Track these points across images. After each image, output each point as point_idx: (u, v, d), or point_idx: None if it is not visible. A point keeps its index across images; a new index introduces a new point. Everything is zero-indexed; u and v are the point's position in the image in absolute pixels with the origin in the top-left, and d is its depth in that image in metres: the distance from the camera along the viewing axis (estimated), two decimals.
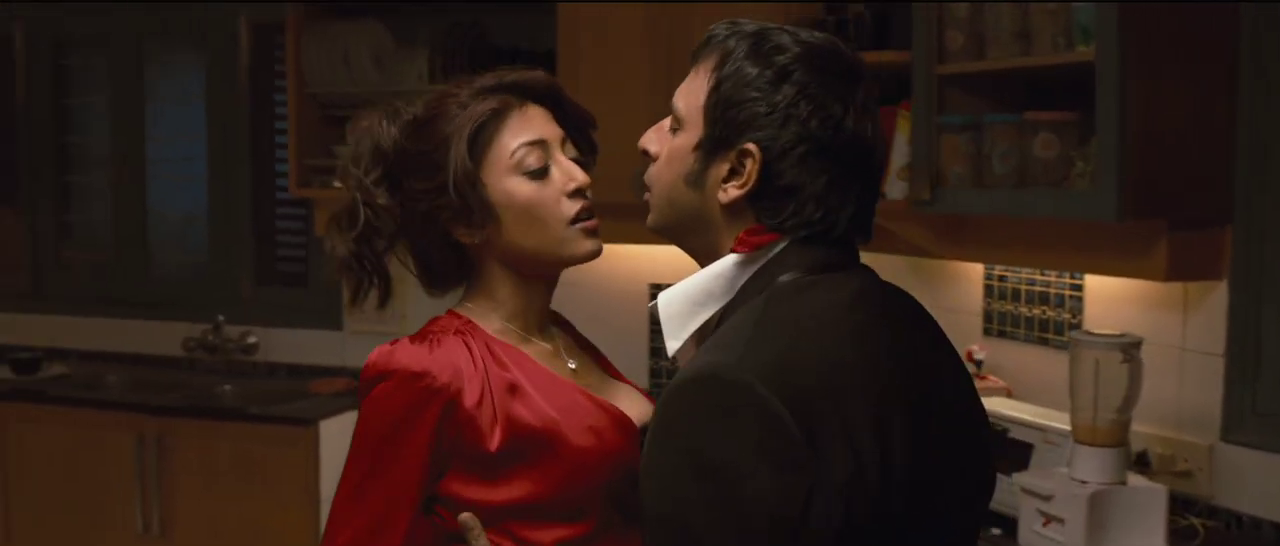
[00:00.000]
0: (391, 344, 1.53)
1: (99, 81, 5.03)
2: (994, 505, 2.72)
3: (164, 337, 4.77)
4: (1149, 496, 2.49)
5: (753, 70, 1.30)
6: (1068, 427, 2.59)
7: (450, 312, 1.62)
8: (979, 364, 3.18)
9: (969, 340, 3.28)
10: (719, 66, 1.32)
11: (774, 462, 1.15)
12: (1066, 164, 2.63)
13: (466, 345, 1.54)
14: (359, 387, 1.55)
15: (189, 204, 4.91)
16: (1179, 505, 2.70)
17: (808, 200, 1.29)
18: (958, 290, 3.39)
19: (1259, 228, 2.62)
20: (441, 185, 1.54)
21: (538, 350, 1.60)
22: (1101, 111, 2.45)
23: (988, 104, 2.85)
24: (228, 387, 4.50)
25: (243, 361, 4.65)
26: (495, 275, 1.60)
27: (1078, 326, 2.97)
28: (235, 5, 4.63)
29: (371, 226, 1.59)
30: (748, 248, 1.32)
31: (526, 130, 1.57)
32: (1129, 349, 2.49)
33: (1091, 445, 2.50)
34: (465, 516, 1.50)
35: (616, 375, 1.72)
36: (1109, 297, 2.93)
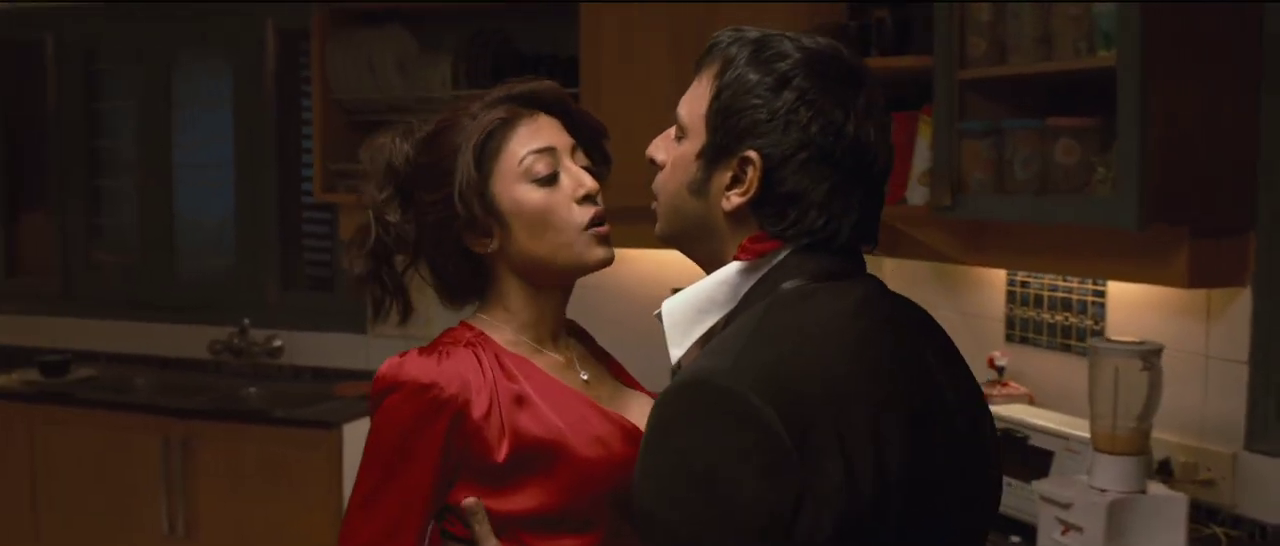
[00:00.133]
0: (401, 356, 1.54)
1: (128, 87, 5.08)
2: (1013, 513, 2.72)
3: (190, 341, 4.80)
4: (1169, 505, 2.47)
5: (754, 77, 1.29)
6: (1088, 435, 2.58)
7: (463, 324, 1.63)
8: (1001, 370, 3.16)
9: (991, 346, 3.26)
10: (721, 74, 1.32)
11: (762, 469, 1.15)
12: (1088, 170, 2.61)
13: (476, 356, 1.54)
14: (370, 399, 1.56)
15: (216, 208, 4.95)
16: (1202, 514, 2.68)
17: (810, 207, 1.29)
18: (980, 296, 3.38)
19: None
20: (450, 195, 1.55)
21: (550, 361, 1.61)
22: (1122, 117, 2.43)
23: (1009, 109, 2.83)
24: (253, 390, 4.53)
25: (268, 365, 4.68)
26: (508, 285, 1.61)
27: (1100, 333, 2.95)
28: (262, 12, 4.67)
29: (384, 243, 1.61)
30: (751, 255, 1.32)
31: (535, 138, 1.58)
32: (1149, 356, 2.48)
33: (1111, 453, 2.48)
34: (470, 501, 1.51)
35: (633, 385, 1.72)
36: (1132, 304, 2.91)
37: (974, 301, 3.38)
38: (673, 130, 1.39)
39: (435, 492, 1.52)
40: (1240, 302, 2.65)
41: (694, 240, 1.39)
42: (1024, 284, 3.23)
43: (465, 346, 1.56)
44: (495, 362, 1.55)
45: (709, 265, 1.38)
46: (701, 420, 1.19)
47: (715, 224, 1.34)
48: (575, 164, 1.60)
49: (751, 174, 1.29)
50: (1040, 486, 2.58)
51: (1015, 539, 2.67)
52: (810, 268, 1.31)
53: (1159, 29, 2.41)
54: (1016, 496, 2.70)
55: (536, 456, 1.51)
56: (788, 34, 1.33)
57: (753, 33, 1.34)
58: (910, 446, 1.22)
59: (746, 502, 1.15)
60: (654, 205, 1.42)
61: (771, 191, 1.29)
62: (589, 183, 1.58)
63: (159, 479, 4.14)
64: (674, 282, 1.37)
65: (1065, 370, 3.08)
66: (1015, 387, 3.14)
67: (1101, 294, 2.99)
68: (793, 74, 1.29)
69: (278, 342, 4.67)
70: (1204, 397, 2.74)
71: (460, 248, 1.59)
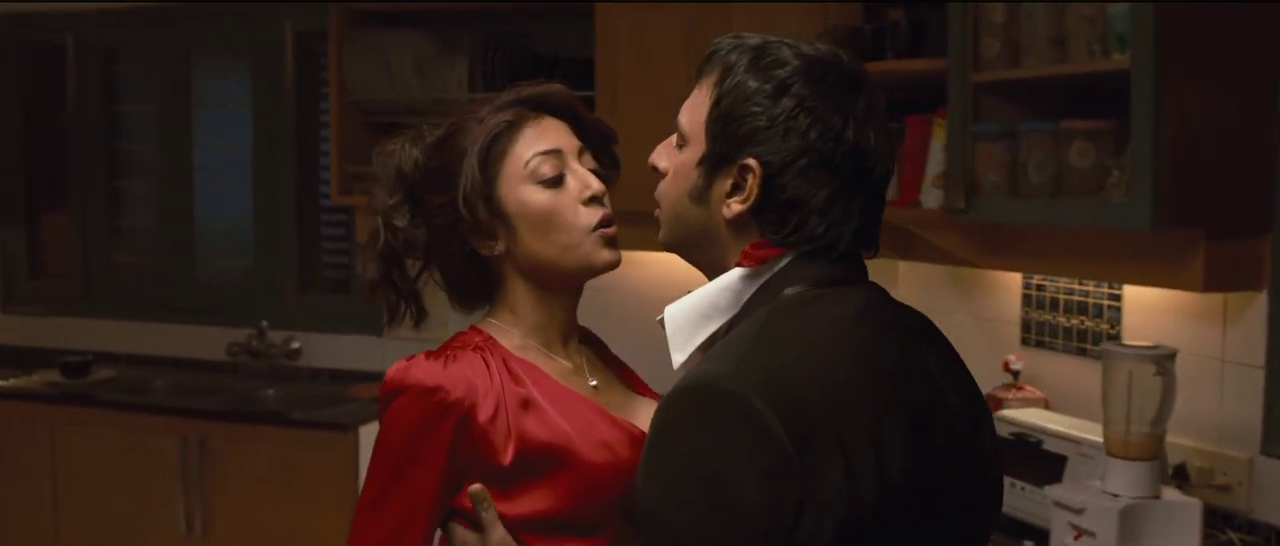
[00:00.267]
0: (408, 359, 1.55)
1: (148, 89, 5.11)
2: (1026, 517, 2.71)
3: (209, 342, 4.82)
4: (1183, 510, 2.46)
5: (753, 84, 1.30)
6: (1102, 440, 2.56)
7: (473, 328, 1.63)
8: (1016, 374, 3.14)
9: (1007, 350, 3.25)
10: (720, 82, 1.32)
11: (764, 473, 1.16)
12: (1103, 173, 2.59)
13: (484, 360, 1.55)
14: (378, 402, 1.57)
15: (234, 210, 4.97)
16: (1218, 519, 2.66)
17: (811, 214, 1.29)
18: (996, 299, 3.36)
19: None
20: (457, 198, 1.56)
21: (558, 367, 1.61)
22: (1136, 120, 2.42)
23: (1024, 112, 2.82)
24: (271, 392, 4.55)
25: (286, 366, 4.70)
26: (516, 289, 1.61)
27: (1116, 337, 2.93)
28: (280, 14, 4.69)
29: (393, 248, 1.62)
30: (753, 262, 1.32)
31: (541, 141, 1.58)
32: (1162, 361, 2.46)
33: (1124, 458, 2.46)
34: (476, 488, 1.51)
35: (644, 392, 1.72)
36: (1148, 308, 2.89)
37: (990, 305, 3.37)
38: (674, 137, 1.40)
39: (442, 495, 1.52)
40: (1257, 307, 2.63)
41: (696, 247, 1.39)
42: (1040, 287, 3.21)
43: (473, 350, 1.56)
44: (502, 367, 1.55)
45: (712, 272, 1.38)
46: (705, 423, 1.19)
47: (717, 231, 1.35)
48: (582, 167, 1.60)
49: (751, 181, 1.29)
50: (1053, 491, 2.57)
51: (1028, 543, 2.66)
52: (812, 274, 1.31)
53: (1173, 30, 2.39)
54: (1029, 501, 2.69)
55: (542, 461, 1.51)
56: (787, 41, 1.33)
57: (753, 40, 1.34)
58: (912, 450, 1.23)
59: (749, 506, 1.16)
60: (657, 213, 1.43)
61: (772, 198, 1.29)
62: (595, 184, 1.58)
63: (177, 479, 4.16)
64: (688, 285, 1.38)
65: (1081, 374, 3.06)
66: (1031, 391, 3.13)
67: (1117, 298, 2.97)
68: (791, 81, 1.29)
69: (296, 344, 4.69)
70: (1220, 402, 2.72)
71: (467, 251, 1.60)
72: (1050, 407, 3.09)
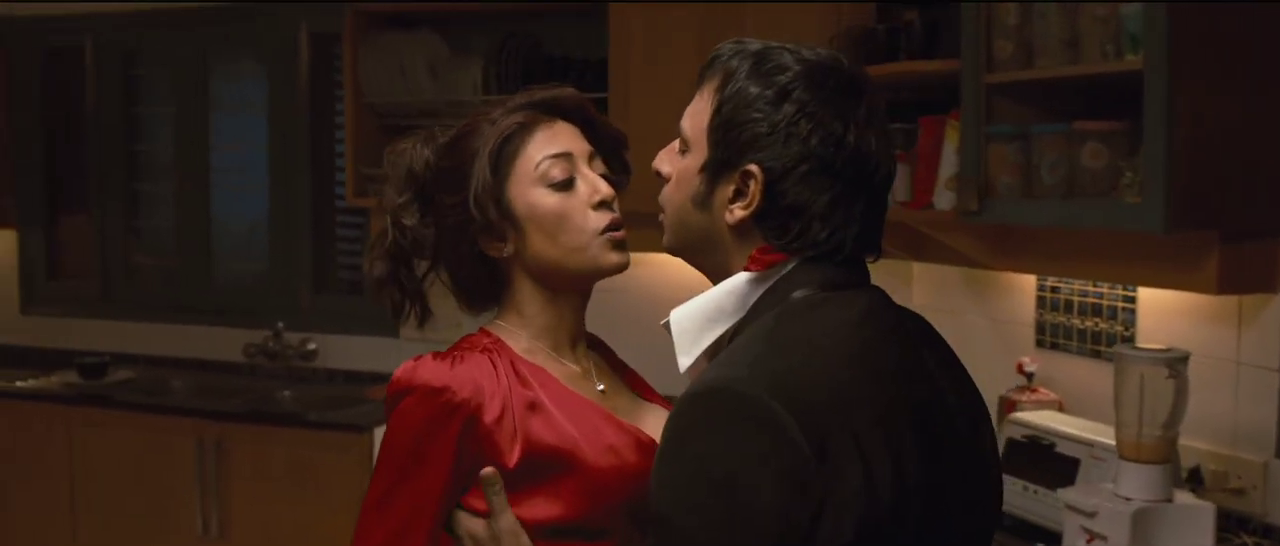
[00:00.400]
0: (416, 359, 1.55)
1: (166, 92, 5.14)
2: (1038, 520, 2.70)
3: (226, 344, 4.85)
4: (1196, 514, 2.44)
5: (754, 90, 1.30)
6: (1114, 442, 2.55)
7: (482, 330, 1.64)
8: (1030, 376, 3.13)
9: (1021, 352, 3.23)
10: (722, 87, 1.33)
11: (783, 475, 1.16)
12: (1115, 174, 2.58)
13: (492, 362, 1.55)
14: (385, 402, 1.57)
15: (251, 212, 5.00)
16: (1233, 523, 2.64)
17: (813, 219, 1.30)
18: (1010, 301, 3.35)
19: None
20: (467, 199, 1.57)
21: (566, 371, 1.61)
22: (1149, 121, 2.40)
23: (1036, 113, 2.80)
24: (287, 393, 4.57)
25: (302, 367, 4.72)
26: (524, 291, 1.62)
27: (1131, 339, 2.92)
28: (296, 16, 4.70)
29: (401, 246, 1.63)
30: (761, 266, 1.33)
31: (552, 144, 1.59)
32: (1175, 363, 2.44)
33: (1137, 461, 2.45)
34: (487, 471, 1.51)
35: (651, 398, 1.72)
36: (1162, 310, 2.87)
37: (1004, 307, 3.35)
38: (677, 142, 1.40)
39: (447, 495, 1.53)
40: (1272, 309, 2.61)
41: (700, 252, 1.40)
42: (1054, 289, 3.20)
43: (481, 352, 1.57)
44: (510, 369, 1.55)
45: (716, 276, 1.39)
46: (720, 426, 1.19)
47: (720, 236, 1.35)
48: (592, 171, 1.61)
49: (753, 187, 1.30)
50: (1065, 494, 2.56)
51: None
52: (817, 278, 1.32)
53: (1186, 31, 2.37)
54: (1042, 503, 2.68)
55: (548, 464, 1.51)
56: (788, 45, 1.33)
57: (754, 45, 1.34)
58: (922, 450, 1.24)
59: (765, 508, 1.16)
60: (661, 217, 1.44)
61: (774, 204, 1.30)
62: (604, 189, 1.59)
63: (194, 480, 4.18)
64: (698, 287, 1.39)
65: (1095, 376, 3.04)
66: (1045, 393, 3.11)
67: (1132, 300, 2.95)
68: (793, 86, 1.29)
69: (312, 346, 4.71)
70: (1235, 405, 2.70)
71: (476, 252, 1.61)
72: (1064, 410, 3.07)
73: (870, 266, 1.39)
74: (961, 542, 1.33)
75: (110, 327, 5.10)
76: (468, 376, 1.52)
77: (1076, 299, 3.13)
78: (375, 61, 4.11)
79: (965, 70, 2.86)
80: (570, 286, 1.62)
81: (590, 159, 1.62)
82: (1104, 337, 3.03)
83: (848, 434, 1.18)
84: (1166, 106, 2.37)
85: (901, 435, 1.22)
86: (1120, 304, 2.99)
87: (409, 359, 1.56)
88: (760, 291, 1.33)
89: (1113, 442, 2.56)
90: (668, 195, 1.41)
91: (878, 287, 1.37)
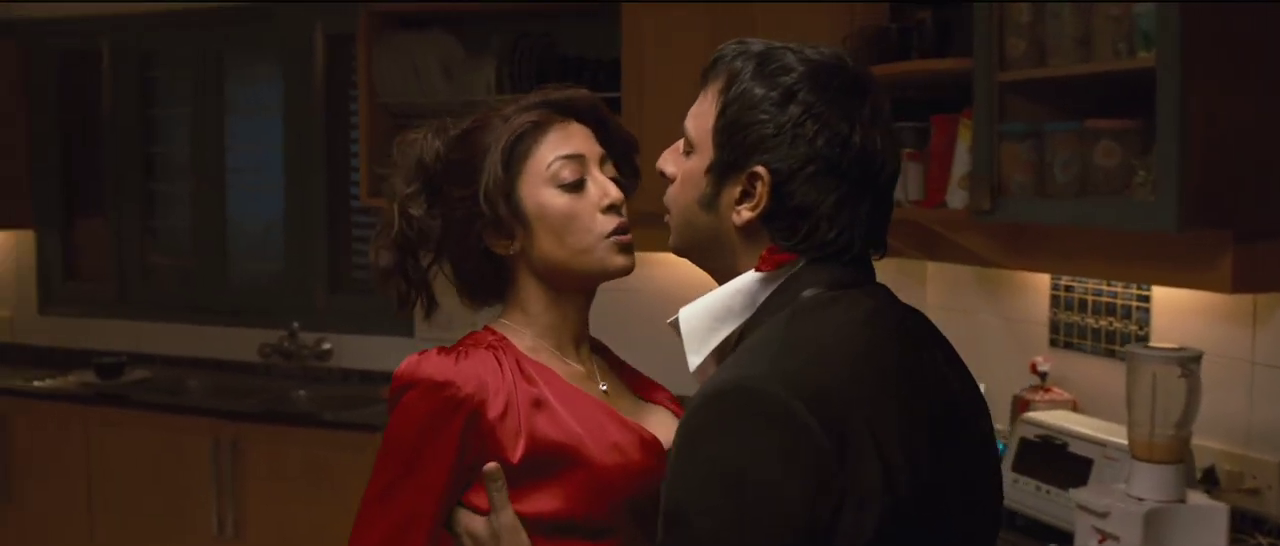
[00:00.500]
0: (420, 354, 1.56)
1: (182, 93, 5.15)
2: (1051, 520, 2.69)
3: (242, 344, 4.87)
4: (1209, 514, 2.43)
5: (759, 91, 1.30)
6: (1127, 442, 2.54)
7: (486, 328, 1.63)
8: (1043, 376, 3.12)
9: (1034, 351, 3.22)
10: (726, 89, 1.32)
11: (803, 473, 1.16)
12: (1128, 172, 2.57)
13: (497, 359, 1.55)
14: (389, 396, 1.57)
15: (266, 212, 5.01)
16: (1247, 523, 2.63)
17: (820, 220, 1.29)
18: (1024, 300, 3.34)
19: None
20: (476, 193, 1.57)
21: (570, 370, 1.61)
22: (1162, 119, 2.39)
23: (1049, 111, 2.79)
24: (302, 393, 4.58)
25: (318, 367, 4.74)
26: (529, 289, 1.62)
27: (1145, 339, 2.90)
28: (311, 17, 4.71)
29: (407, 237, 1.62)
30: (771, 267, 1.33)
31: (565, 145, 1.59)
32: (1187, 363, 2.43)
33: (1149, 461, 2.44)
34: (490, 466, 1.51)
35: (653, 399, 1.72)
36: (1176, 309, 2.86)
37: (1018, 306, 3.34)
38: (681, 143, 1.40)
39: (449, 491, 1.52)
40: None
41: (707, 252, 1.39)
42: (1068, 288, 3.19)
43: (486, 348, 1.57)
44: (515, 366, 1.55)
45: (723, 277, 1.39)
46: (738, 424, 1.19)
47: (727, 237, 1.35)
48: (603, 174, 1.61)
49: (760, 189, 1.30)
50: (1078, 494, 2.54)
51: None
52: (826, 278, 1.32)
53: (1199, 29, 2.36)
54: (1054, 503, 2.67)
55: (552, 460, 1.51)
56: (791, 45, 1.33)
57: (757, 46, 1.34)
58: (935, 447, 1.24)
59: (790, 506, 1.16)
60: (667, 218, 1.43)
61: (781, 205, 1.30)
62: (614, 193, 1.59)
63: (210, 480, 4.20)
64: (706, 286, 1.39)
65: (1109, 376, 3.03)
66: (1058, 393, 3.10)
67: (1146, 299, 2.94)
68: (798, 87, 1.29)
69: (327, 346, 4.72)
70: (1249, 405, 2.69)
71: (482, 247, 1.60)
72: (1079, 409, 3.06)
73: (885, 267, 1.38)
74: (970, 537, 1.33)
75: (127, 328, 5.13)
76: (471, 372, 1.52)
77: (1090, 298, 3.11)
78: (389, 62, 4.12)
79: (978, 69, 2.85)
80: (575, 287, 1.62)
81: (601, 162, 1.62)
82: (1118, 337, 3.02)
83: (865, 431, 1.18)
84: (1179, 105, 2.36)
85: (916, 432, 1.22)
86: (1134, 303, 2.98)
87: (413, 354, 1.56)
88: (769, 291, 1.33)
89: (1125, 442, 2.55)
90: (673, 196, 1.41)
91: (883, 285, 1.37)
